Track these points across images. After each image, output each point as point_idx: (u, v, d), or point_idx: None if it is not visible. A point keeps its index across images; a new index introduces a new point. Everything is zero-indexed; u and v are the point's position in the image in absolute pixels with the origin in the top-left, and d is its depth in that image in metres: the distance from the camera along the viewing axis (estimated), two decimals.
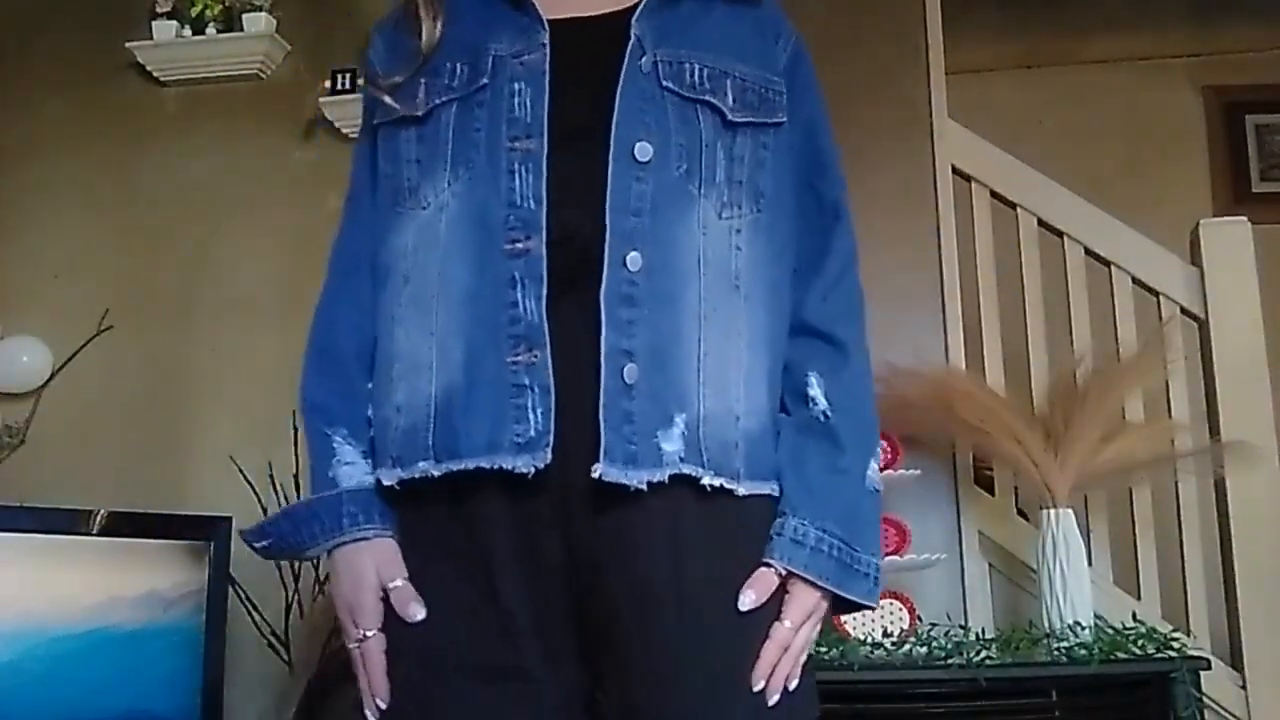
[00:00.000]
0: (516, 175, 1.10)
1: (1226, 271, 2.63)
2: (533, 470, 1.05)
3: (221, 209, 2.94)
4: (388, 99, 1.18)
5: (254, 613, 2.59)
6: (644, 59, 1.13)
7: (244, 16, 2.94)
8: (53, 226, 3.01)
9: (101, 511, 2.26)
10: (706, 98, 1.14)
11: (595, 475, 1.04)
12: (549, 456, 1.04)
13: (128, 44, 2.98)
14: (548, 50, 1.14)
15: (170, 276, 2.93)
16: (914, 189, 2.75)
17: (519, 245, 1.08)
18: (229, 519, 2.44)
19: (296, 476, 2.49)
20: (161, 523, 2.33)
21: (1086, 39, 4.04)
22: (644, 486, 1.05)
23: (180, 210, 2.96)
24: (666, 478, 1.06)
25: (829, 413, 1.16)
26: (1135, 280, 2.71)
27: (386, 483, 1.13)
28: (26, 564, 2.19)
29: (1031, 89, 4.06)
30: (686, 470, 1.07)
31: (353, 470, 1.15)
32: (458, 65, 1.15)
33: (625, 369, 1.06)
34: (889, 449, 2.45)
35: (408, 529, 1.15)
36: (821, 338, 1.19)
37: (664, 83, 1.13)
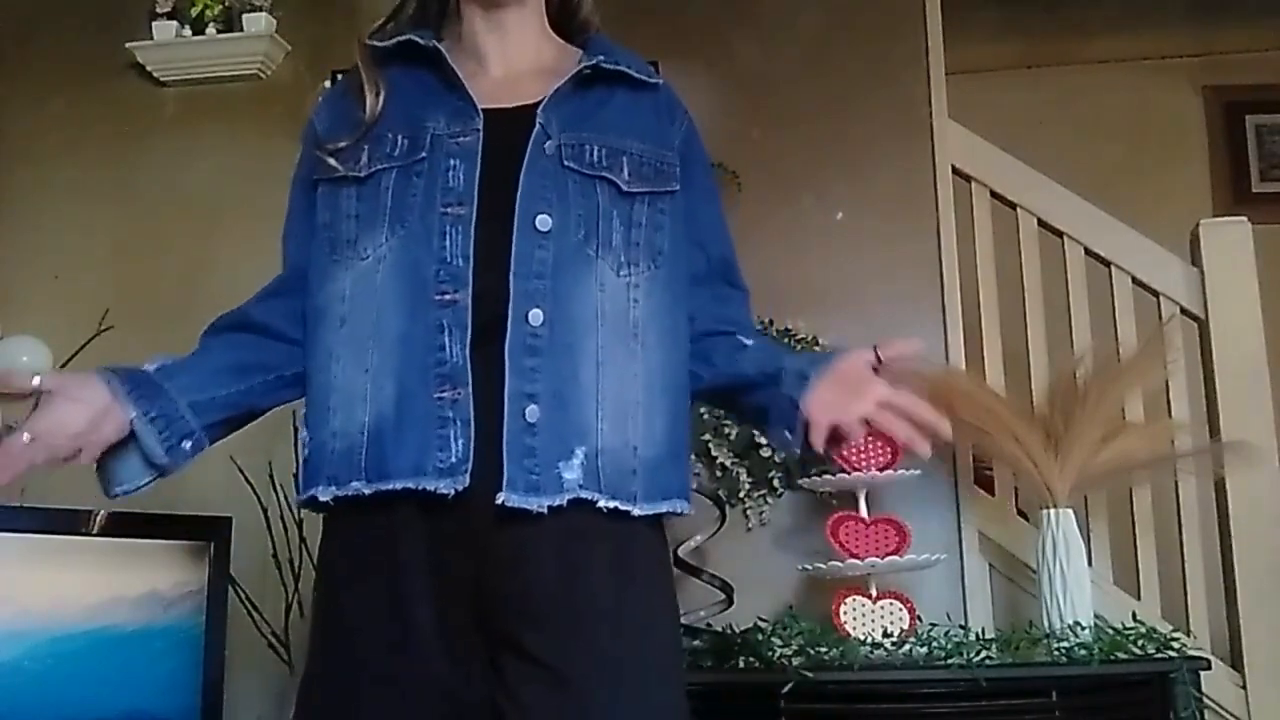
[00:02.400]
0: (448, 236, 1.24)
1: (1226, 271, 2.63)
2: (452, 492, 1.18)
3: (221, 209, 2.93)
4: (331, 160, 1.34)
5: (254, 613, 2.59)
6: (548, 143, 1.29)
7: (244, 16, 2.94)
8: (53, 226, 3.01)
9: (101, 511, 2.26)
10: (604, 174, 1.29)
11: (499, 501, 1.18)
12: (467, 480, 1.18)
13: (128, 44, 2.98)
14: (481, 134, 1.29)
15: (170, 276, 2.92)
16: (914, 189, 2.76)
17: (448, 296, 1.23)
18: (229, 519, 2.43)
19: (296, 476, 2.48)
20: (161, 523, 2.32)
21: (1086, 39, 4.04)
22: (544, 510, 1.19)
23: (180, 210, 2.96)
24: (565, 501, 1.20)
25: (760, 341, 1.40)
26: (1135, 280, 2.71)
27: (323, 499, 1.26)
28: (26, 564, 2.19)
29: (1031, 89, 4.05)
30: (585, 495, 1.21)
31: (167, 376, 1.37)
32: (399, 137, 1.30)
33: (527, 410, 1.20)
34: (888, 449, 2.44)
35: (340, 543, 1.29)
36: (725, 334, 1.39)
37: (566, 162, 1.28)
